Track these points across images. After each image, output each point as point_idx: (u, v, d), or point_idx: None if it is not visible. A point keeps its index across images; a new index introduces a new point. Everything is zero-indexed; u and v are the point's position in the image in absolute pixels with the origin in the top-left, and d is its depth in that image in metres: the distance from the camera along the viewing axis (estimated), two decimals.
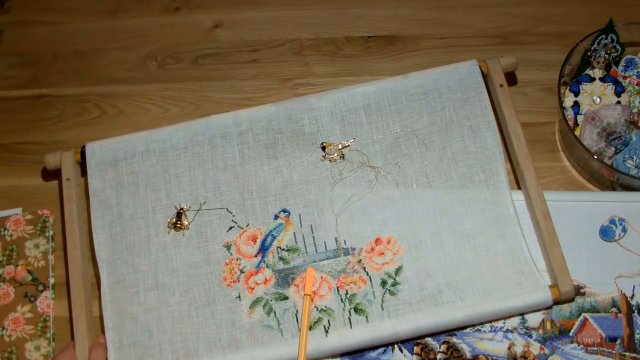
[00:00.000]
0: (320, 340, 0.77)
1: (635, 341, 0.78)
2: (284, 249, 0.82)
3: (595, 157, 0.83)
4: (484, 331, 0.80)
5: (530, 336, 0.79)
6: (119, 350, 0.78)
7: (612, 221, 0.83)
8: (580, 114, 0.89)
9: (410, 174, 0.84)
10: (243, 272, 0.81)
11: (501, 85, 0.86)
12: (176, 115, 0.98)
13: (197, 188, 0.85)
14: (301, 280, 0.80)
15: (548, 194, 0.82)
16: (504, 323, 0.80)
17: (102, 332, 0.82)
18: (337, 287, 0.79)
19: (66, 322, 0.87)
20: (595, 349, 0.78)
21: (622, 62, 0.92)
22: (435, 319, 0.77)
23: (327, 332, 0.77)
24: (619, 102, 0.89)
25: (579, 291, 0.80)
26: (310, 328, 0.78)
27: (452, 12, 1.03)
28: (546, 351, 0.79)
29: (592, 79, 0.90)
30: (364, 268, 0.80)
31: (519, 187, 0.84)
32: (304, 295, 0.78)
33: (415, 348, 0.80)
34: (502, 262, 0.79)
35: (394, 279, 0.79)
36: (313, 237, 0.82)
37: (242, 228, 0.83)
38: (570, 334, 0.79)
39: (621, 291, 0.80)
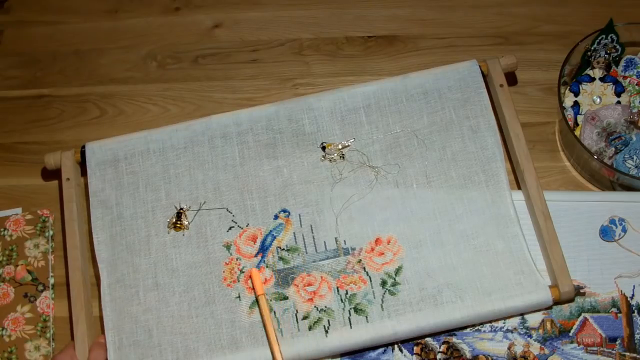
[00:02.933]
0: (320, 340, 0.77)
1: (635, 341, 0.78)
2: (283, 249, 0.82)
3: (595, 157, 0.83)
4: (484, 331, 0.80)
5: (530, 336, 0.79)
6: (118, 350, 0.78)
7: (612, 221, 0.83)
8: (580, 114, 0.89)
9: (410, 174, 0.84)
10: (243, 272, 0.81)
11: (501, 86, 0.86)
12: (176, 115, 0.98)
13: (197, 188, 0.85)
14: (301, 280, 0.80)
15: (548, 194, 0.82)
16: (504, 323, 0.80)
17: (102, 332, 0.82)
18: (337, 287, 0.79)
19: (66, 322, 0.87)
20: (595, 349, 0.78)
21: (622, 62, 0.92)
22: (435, 319, 0.77)
23: (327, 332, 0.77)
24: (619, 102, 0.89)
25: (579, 291, 0.80)
26: (310, 328, 0.78)
27: (452, 12, 1.03)
28: (546, 351, 0.79)
29: (592, 79, 0.90)
30: (364, 268, 0.80)
31: (519, 187, 0.84)
32: (257, 295, 0.78)
33: (415, 348, 0.80)
34: (502, 262, 0.79)
35: (394, 279, 0.79)
36: (313, 237, 0.82)
37: (242, 228, 0.83)
38: (570, 334, 0.79)
39: (621, 291, 0.80)
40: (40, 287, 0.88)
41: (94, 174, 0.86)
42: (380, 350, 0.80)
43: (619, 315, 0.79)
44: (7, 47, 1.06)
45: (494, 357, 0.79)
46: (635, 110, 0.89)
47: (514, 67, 0.88)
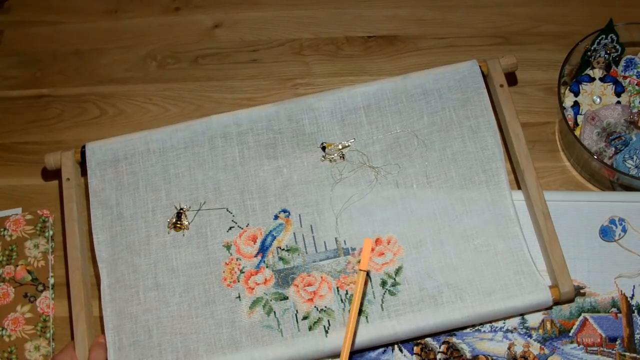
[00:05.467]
0: (320, 340, 0.77)
1: (635, 341, 0.78)
2: (283, 249, 0.82)
3: (595, 157, 0.83)
4: (484, 331, 0.80)
5: (530, 336, 0.79)
6: (118, 350, 0.78)
7: (612, 221, 0.83)
8: (580, 114, 0.89)
9: (410, 174, 0.84)
10: (243, 272, 0.81)
11: (501, 86, 0.86)
12: (176, 115, 0.98)
13: (197, 188, 0.85)
14: (301, 280, 0.80)
15: (548, 194, 0.82)
16: (504, 323, 0.80)
17: (102, 332, 0.82)
18: (337, 287, 0.79)
19: (66, 322, 0.87)
20: (595, 349, 0.78)
21: (622, 62, 0.92)
22: (435, 319, 0.77)
23: (327, 332, 0.77)
24: (619, 102, 0.89)
25: (579, 291, 0.80)
26: (310, 328, 0.78)
27: (452, 12, 1.03)
28: (546, 351, 0.79)
29: (592, 79, 0.90)
30: None
31: (519, 187, 0.84)
32: (359, 270, 0.73)
33: (415, 348, 0.80)
34: (502, 262, 0.79)
35: (394, 279, 0.79)
36: (313, 237, 0.82)
37: (242, 228, 0.83)
38: (570, 334, 0.79)
39: (621, 291, 0.80)
40: (40, 287, 0.88)
41: (94, 174, 0.86)
42: (380, 350, 0.80)
43: (619, 315, 0.79)
44: (7, 47, 1.06)
45: (494, 357, 0.79)
46: (635, 110, 0.89)
47: (514, 67, 0.88)
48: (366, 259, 0.68)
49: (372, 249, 0.80)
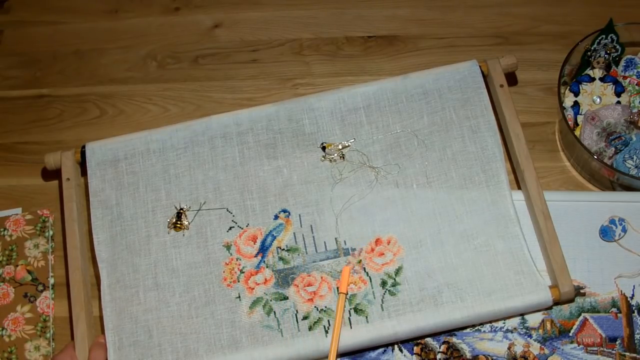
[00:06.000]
0: (320, 340, 0.77)
1: (635, 341, 0.78)
2: (284, 249, 0.82)
3: (595, 157, 0.83)
4: (484, 331, 0.80)
5: (530, 336, 0.79)
6: (118, 350, 0.78)
7: (612, 221, 0.83)
8: (580, 114, 0.89)
9: (410, 174, 0.84)
10: (243, 272, 0.81)
11: (501, 86, 0.86)
12: (176, 115, 0.98)
13: (197, 188, 0.85)
14: (301, 281, 0.80)
15: (548, 194, 0.82)
16: (504, 323, 0.80)
17: (102, 332, 0.82)
18: (337, 288, 0.79)
19: (66, 322, 0.87)
20: (595, 349, 0.78)
21: (622, 62, 0.92)
22: (435, 319, 0.77)
23: (327, 332, 0.77)
24: (619, 102, 0.89)
25: (579, 291, 0.80)
26: (310, 328, 0.78)
27: (452, 12, 1.03)
28: (546, 351, 0.79)
29: (592, 79, 0.90)
30: (364, 268, 0.80)
31: (519, 187, 0.84)
32: (339, 293, 0.78)
33: (415, 348, 0.80)
34: (502, 262, 0.79)
35: (394, 279, 0.79)
36: (313, 237, 0.82)
37: (242, 228, 0.83)
38: (570, 334, 0.79)
39: (621, 291, 0.80)
40: (40, 287, 0.88)
41: (94, 174, 0.86)
42: (380, 350, 0.80)
43: (619, 315, 0.79)
44: (7, 47, 1.06)
45: (494, 357, 0.79)
46: (635, 110, 0.89)
47: (514, 67, 0.88)
48: (345, 284, 0.77)
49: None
